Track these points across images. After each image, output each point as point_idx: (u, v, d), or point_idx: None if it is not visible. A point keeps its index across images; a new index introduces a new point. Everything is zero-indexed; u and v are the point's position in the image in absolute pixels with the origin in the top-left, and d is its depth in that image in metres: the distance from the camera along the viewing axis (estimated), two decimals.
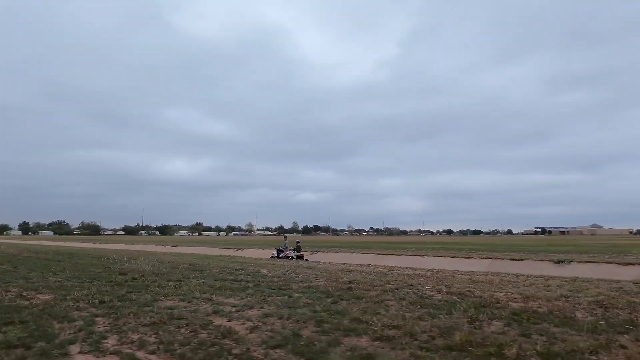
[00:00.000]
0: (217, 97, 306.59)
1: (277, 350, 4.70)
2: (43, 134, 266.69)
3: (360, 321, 5.90)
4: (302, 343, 4.91)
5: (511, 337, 5.05)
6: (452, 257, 22.16)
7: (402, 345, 4.78)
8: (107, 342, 5.08)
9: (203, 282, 10.42)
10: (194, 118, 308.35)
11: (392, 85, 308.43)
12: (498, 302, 7.29)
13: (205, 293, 8.58)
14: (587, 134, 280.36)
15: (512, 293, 8.47)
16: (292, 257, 25.64)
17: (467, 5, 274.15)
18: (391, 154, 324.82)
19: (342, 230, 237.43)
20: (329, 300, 7.74)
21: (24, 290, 9.04)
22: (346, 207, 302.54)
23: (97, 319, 6.26)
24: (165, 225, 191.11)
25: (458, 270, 14.63)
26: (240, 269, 13.80)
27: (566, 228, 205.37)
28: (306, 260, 23.65)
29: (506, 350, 4.48)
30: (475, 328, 5.53)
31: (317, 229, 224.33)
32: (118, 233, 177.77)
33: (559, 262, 18.49)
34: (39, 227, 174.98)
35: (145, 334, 5.38)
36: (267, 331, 5.49)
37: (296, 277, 11.63)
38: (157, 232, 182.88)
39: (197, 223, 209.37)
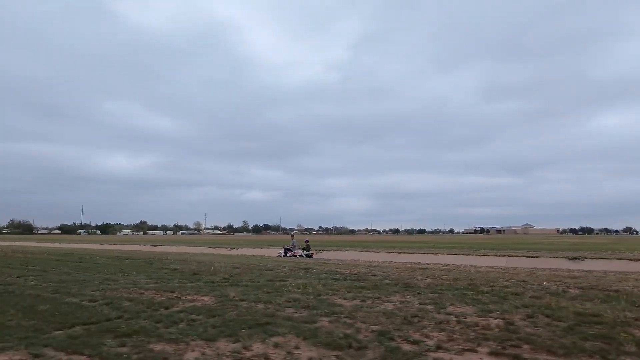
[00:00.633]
0: (161, 91, 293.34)
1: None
2: None
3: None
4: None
5: None
6: (467, 254, 23.40)
7: None
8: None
9: (310, 282, 10.39)
10: (137, 112, 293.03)
11: (342, 87, 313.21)
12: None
13: (337, 292, 8.67)
14: (518, 140, 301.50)
15: (630, 286, 9.43)
16: (302, 256, 25.69)
17: (413, 14, 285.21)
18: (339, 154, 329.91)
19: (291, 229, 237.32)
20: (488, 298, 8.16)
21: (158, 292, 8.58)
22: (295, 207, 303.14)
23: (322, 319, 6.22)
24: (107, 224, 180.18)
25: (497, 267, 15.67)
26: (312, 268, 13.78)
27: (502, 227, 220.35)
28: (322, 259, 23.68)
29: None
30: None
31: (267, 228, 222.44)
32: (54, 232, 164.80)
33: (573, 258, 20.22)
34: None
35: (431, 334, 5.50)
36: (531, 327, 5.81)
37: (379, 274, 11.90)
38: (98, 232, 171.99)
39: (141, 222, 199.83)
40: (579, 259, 20.13)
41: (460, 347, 4.78)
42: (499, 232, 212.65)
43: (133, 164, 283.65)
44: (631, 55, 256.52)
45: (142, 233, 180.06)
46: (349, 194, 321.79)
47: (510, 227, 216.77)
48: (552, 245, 36.32)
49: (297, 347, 4.77)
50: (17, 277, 11.65)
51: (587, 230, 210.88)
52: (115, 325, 5.72)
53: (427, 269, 13.92)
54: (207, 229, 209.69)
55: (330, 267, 14.51)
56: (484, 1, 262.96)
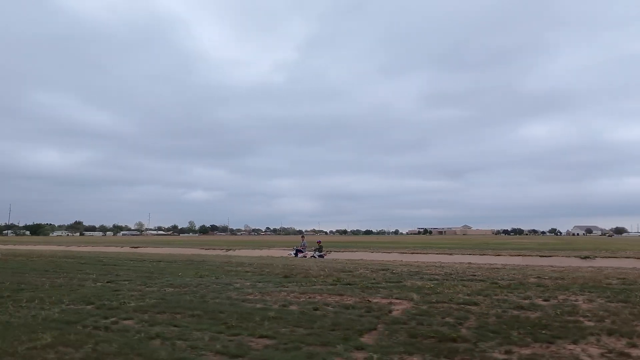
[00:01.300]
0: (100, 83, 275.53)
1: None
2: None
3: None
4: None
5: None
6: (482, 254, 24.51)
7: None
8: None
9: (440, 283, 10.45)
10: (71, 105, 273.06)
11: (289, 88, 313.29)
12: None
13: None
14: (455, 146, 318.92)
15: None
16: (314, 256, 25.48)
17: (360, 20, 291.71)
18: (286, 155, 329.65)
19: (239, 230, 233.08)
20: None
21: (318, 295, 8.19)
22: (241, 207, 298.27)
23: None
24: (37, 224, 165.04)
25: (519, 265, 16.67)
26: (392, 269, 13.77)
27: (443, 228, 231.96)
28: (336, 259, 23.60)
29: None
30: None
31: (214, 228, 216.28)
32: None
33: (585, 257, 21.92)
34: None
35: None
36: None
37: (478, 274, 12.23)
38: (27, 232, 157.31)
39: (76, 222, 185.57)
40: (590, 257, 21.86)
41: None
42: (440, 232, 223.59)
43: (66, 160, 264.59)
44: (556, 71, 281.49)
45: (77, 234, 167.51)
46: (295, 194, 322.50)
47: (450, 228, 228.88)
48: (524, 245, 38.95)
49: None
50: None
51: (518, 231, 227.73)
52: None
53: (501, 268, 14.41)
54: (150, 229, 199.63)
55: (394, 268, 14.54)
56: (428, 13, 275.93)
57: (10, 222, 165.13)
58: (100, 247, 38.72)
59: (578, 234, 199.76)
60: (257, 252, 29.79)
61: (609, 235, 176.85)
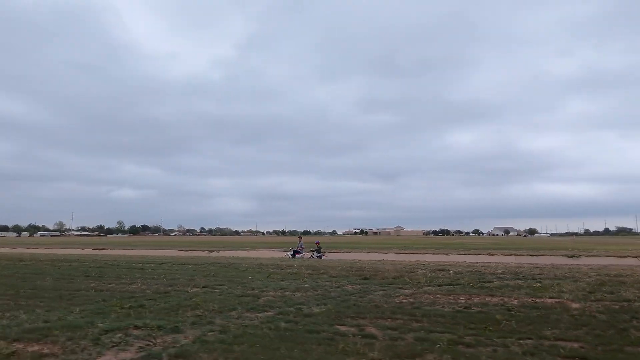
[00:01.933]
0: (14, 69, 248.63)
1: None
2: None
3: None
4: None
5: None
6: (477, 254, 25.89)
7: None
8: None
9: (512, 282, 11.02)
10: None
11: (226, 86, 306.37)
12: None
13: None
14: (388, 150, 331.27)
15: None
16: (312, 257, 25.34)
17: (299, 21, 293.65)
18: (221, 154, 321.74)
19: (172, 230, 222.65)
20: None
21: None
22: (174, 206, 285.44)
23: None
24: None
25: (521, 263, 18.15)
26: (449, 269, 14.15)
27: (378, 229, 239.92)
28: (336, 259, 23.69)
29: None
30: None
31: (145, 229, 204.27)
32: None
33: (572, 256, 24.07)
34: None
35: None
36: None
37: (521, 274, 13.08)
38: None
39: None
40: (576, 256, 24.04)
41: None
42: (375, 233, 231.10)
43: None
44: (478, 83, 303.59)
45: None
46: (231, 194, 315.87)
47: (384, 228, 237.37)
48: (481, 245, 41.75)
49: None
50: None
51: (445, 232, 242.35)
52: None
53: (549, 267, 15.39)
54: (73, 230, 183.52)
55: (448, 268, 14.99)
56: (364, 20, 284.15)
57: None
58: (54, 249, 34.98)
59: (498, 234, 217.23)
60: (248, 254, 28.83)
61: (523, 236, 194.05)
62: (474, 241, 68.42)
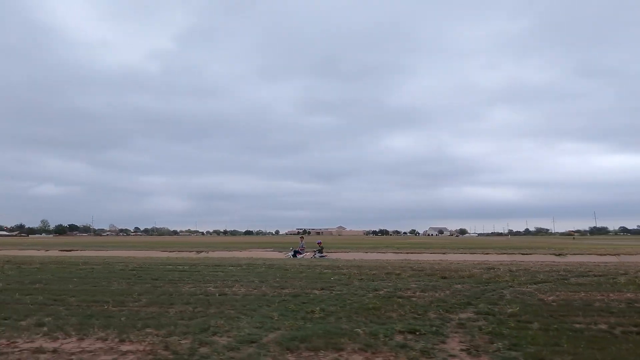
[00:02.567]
0: None
1: None
2: None
3: None
4: None
5: None
6: (472, 253, 27.05)
7: None
8: None
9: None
10: None
11: (164, 80, 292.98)
12: None
13: None
14: (328, 151, 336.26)
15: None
16: (315, 257, 25.07)
17: (243, 18, 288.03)
18: (157, 150, 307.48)
19: (103, 230, 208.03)
20: None
21: None
22: (105, 205, 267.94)
23: None
24: None
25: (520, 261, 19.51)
26: (495, 267, 14.68)
27: (320, 229, 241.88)
28: (337, 259, 23.66)
29: None
30: None
31: (73, 228, 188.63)
32: None
33: (559, 254, 25.97)
34: None
35: None
36: None
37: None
38: None
39: None
40: (562, 255, 25.98)
41: None
42: (318, 233, 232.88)
43: None
44: (414, 90, 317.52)
45: None
46: (168, 193, 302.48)
47: (327, 228, 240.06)
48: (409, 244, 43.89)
49: None
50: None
51: (384, 232, 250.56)
52: None
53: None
54: None
55: (496, 268, 15.55)
56: (307, 22, 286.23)
57: None
58: (11, 251, 31.15)
59: (432, 234, 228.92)
60: (249, 254, 27.75)
61: (456, 236, 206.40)
62: (426, 241, 71.55)
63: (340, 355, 4.66)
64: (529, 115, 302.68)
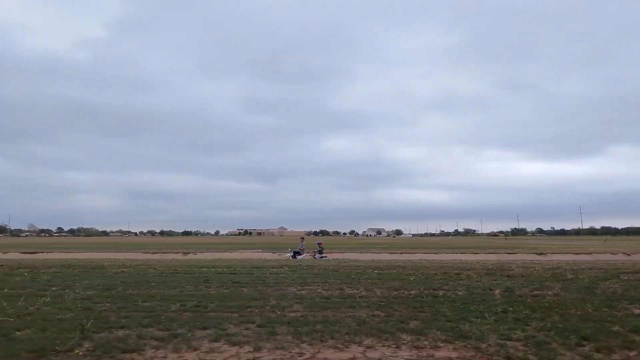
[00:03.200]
0: None
1: None
2: None
3: None
4: None
5: None
6: (462, 253, 28.32)
7: None
8: None
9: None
10: None
11: (94, 70, 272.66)
12: None
13: None
14: (269, 151, 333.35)
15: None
16: (315, 258, 25.00)
17: (184, 11, 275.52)
18: (85, 145, 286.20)
19: (20, 231, 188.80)
20: None
21: None
22: (22, 202, 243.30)
23: None
24: None
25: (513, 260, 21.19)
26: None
27: (261, 229, 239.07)
28: (338, 259, 23.85)
29: None
30: None
31: None
32: None
33: (540, 254, 28.02)
34: None
35: None
36: None
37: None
38: None
39: None
40: (544, 254, 28.08)
41: None
42: (259, 233, 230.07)
43: None
44: (354, 94, 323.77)
45: None
46: (96, 190, 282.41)
47: (268, 229, 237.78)
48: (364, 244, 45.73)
49: None
50: None
51: (325, 233, 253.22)
52: None
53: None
54: None
55: (535, 266, 16.50)
56: (253, 21, 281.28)
57: None
58: None
59: (371, 235, 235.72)
60: (242, 256, 26.73)
61: (393, 236, 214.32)
62: (373, 241, 73.58)
63: None
64: (459, 123, 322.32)
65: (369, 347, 5.26)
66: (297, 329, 6.16)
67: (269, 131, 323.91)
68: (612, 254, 27.98)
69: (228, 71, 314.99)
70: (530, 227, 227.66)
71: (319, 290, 9.50)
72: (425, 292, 9.30)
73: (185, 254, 28.09)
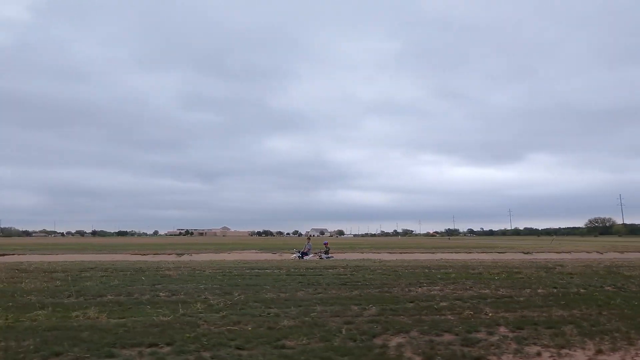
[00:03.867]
0: None
1: None
2: None
3: None
4: None
5: None
6: (457, 252, 29.36)
7: None
8: None
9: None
10: None
11: (17, 55, 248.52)
12: None
13: None
14: (209, 149, 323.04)
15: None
16: (321, 258, 24.85)
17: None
18: (3, 137, 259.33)
19: None
20: None
21: None
22: None
23: None
24: None
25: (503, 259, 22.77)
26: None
27: (203, 229, 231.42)
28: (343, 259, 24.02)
29: None
30: None
31: None
32: None
33: (527, 252, 29.85)
34: None
35: None
36: None
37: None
38: None
39: None
40: (530, 253, 29.93)
41: None
42: (201, 234, 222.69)
43: None
44: (298, 95, 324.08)
45: None
46: (15, 186, 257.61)
47: (210, 229, 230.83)
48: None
49: None
50: None
51: (269, 233, 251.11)
52: None
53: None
54: None
55: (560, 267, 17.46)
56: (195, 14, 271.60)
57: None
58: None
59: (315, 235, 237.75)
60: (256, 256, 25.63)
61: (336, 237, 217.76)
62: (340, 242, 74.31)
63: None
64: (397, 127, 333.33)
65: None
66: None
67: (210, 129, 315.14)
68: (587, 252, 30.51)
69: (167, 65, 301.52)
70: (463, 227, 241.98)
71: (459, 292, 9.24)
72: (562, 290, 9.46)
73: (179, 255, 26.43)
